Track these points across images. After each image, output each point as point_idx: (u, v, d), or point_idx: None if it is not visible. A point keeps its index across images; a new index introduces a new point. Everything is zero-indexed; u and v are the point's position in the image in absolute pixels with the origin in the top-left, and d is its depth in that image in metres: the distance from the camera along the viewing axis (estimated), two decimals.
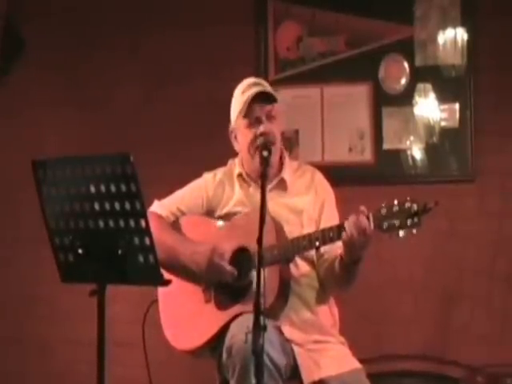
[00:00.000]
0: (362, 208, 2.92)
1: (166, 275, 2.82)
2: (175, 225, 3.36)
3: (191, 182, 3.43)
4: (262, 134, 3.17)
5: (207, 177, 3.40)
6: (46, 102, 5.09)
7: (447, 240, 4.59)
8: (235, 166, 3.36)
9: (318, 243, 3.03)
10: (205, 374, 3.27)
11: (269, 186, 3.19)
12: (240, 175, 3.32)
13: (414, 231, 2.87)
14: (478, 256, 4.56)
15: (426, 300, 4.58)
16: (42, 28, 5.09)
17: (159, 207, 3.39)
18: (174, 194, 3.43)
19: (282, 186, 3.28)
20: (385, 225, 2.89)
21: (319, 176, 3.34)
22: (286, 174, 3.29)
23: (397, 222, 2.87)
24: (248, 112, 3.21)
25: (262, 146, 3.12)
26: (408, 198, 2.89)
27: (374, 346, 4.46)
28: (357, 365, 3.14)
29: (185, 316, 3.26)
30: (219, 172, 3.40)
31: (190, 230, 3.34)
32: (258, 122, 3.20)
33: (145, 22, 5.00)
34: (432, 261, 4.59)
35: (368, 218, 2.90)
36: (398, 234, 2.88)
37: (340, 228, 2.97)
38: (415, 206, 2.86)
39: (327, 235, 3.00)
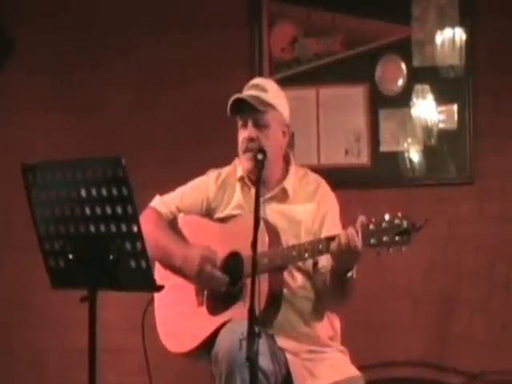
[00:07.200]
0: (362, 218, 2.85)
1: (159, 279, 2.78)
2: (173, 224, 3.34)
3: (195, 179, 3.38)
4: (247, 139, 3.14)
5: (211, 176, 3.34)
6: (36, 105, 5.06)
7: (446, 243, 4.55)
8: (239, 166, 3.29)
9: (306, 255, 2.98)
10: (201, 378, 3.22)
11: (269, 194, 3.17)
12: (242, 178, 3.26)
13: (404, 249, 2.80)
14: (477, 260, 4.52)
15: (424, 305, 4.55)
16: (33, 29, 5.05)
17: (160, 204, 3.36)
18: (176, 190, 3.39)
19: (284, 195, 3.21)
20: (372, 241, 2.82)
21: (324, 188, 3.25)
22: (289, 183, 3.21)
23: (385, 239, 2.80)
24: (237, 113, 3.18)
25: (245, 150, 3.12)
26: (399, 215, 2.81)
27: (373, 353, 4.43)
28: (355, 373, 3.10)
29: (178, 318, 3.24)
30: (224, 172, 3.34)
31: (187, 231, 3.32)
32: (244, 125, 3.17)
33: (138, 23, 4.98)
34: (431, 265, 4.55)
35: (357, 232, 2.84)
36: (386, 251, 2.81)
37: (329, 240, 2.92)
38: (405, 224, 2.79)
39: (316, 247, 2.95)
